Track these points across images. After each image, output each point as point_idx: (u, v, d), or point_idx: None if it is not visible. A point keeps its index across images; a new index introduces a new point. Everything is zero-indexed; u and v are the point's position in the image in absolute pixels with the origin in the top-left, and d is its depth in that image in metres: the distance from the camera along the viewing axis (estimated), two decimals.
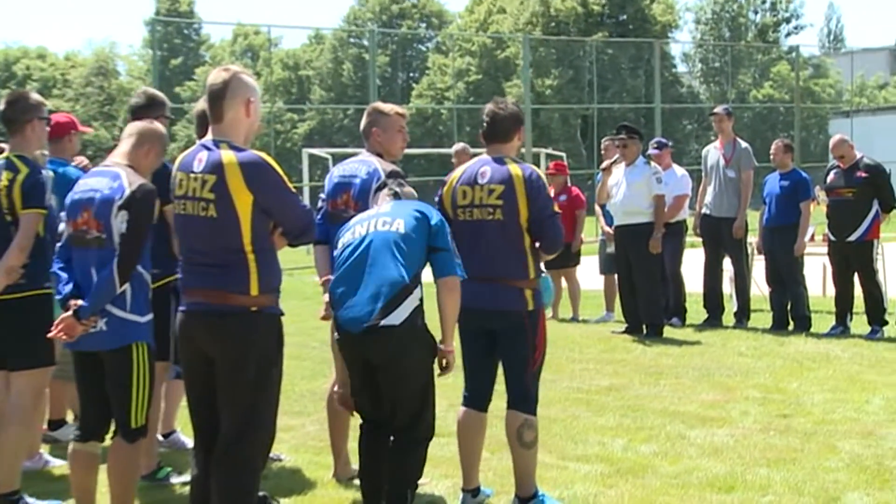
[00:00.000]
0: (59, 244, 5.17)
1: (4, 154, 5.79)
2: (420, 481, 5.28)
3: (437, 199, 5.65)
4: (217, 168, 4.42)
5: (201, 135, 5.03)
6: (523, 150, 26.04)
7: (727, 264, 12.12)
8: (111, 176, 5.03)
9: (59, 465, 6.39)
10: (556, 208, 5.57)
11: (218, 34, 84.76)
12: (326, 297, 5.54)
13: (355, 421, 5.76)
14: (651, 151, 11.95)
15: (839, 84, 65.08)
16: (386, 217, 5.11)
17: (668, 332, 11.20)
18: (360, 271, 4.98)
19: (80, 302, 4.90)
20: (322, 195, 6.00)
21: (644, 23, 60.95)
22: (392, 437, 5.14)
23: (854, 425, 7.20)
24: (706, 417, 7.47)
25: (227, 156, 4.43)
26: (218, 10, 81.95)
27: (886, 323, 11.09)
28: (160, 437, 6.57)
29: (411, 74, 71.98)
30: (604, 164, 11.66)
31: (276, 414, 4.68)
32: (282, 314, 4.66)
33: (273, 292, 4.55)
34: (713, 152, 12.13)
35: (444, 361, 5.12)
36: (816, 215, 12.63)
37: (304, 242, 4.84)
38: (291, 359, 8.12)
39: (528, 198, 5.40)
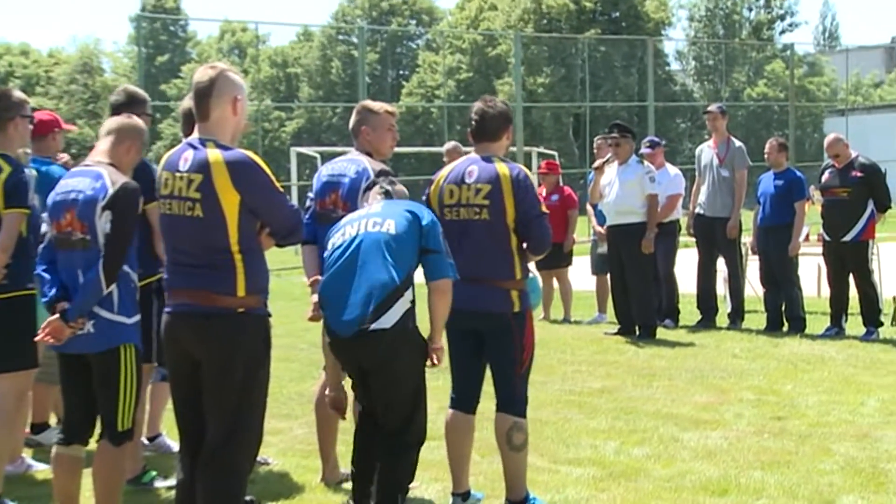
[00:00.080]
0: (41, 245, 5.16)
1: None
2: (410, 485, 5.28)
3: (424, 197, 5.65)
4: (203, 167, 4.41)
5: (187, 133, 5.02)
6: (514, 148, 26.05)
7: (721, 265, 12.13)
8: (93, 176, 5.01)
9: (41, 470, 6.38)
10: (544, 209, 5.56)
11: (205, 31, 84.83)
12: (315, 298, 5.55)
13: (344, 424, 5.77)
14: (643, 150, 11.96)
15: (834, 82, 65.26)
16: (376, 217, 5.10)
17: (661, 333, 11.21)
18: (350, 273, 4.98)
19: (66, 305, 4.90)
20: (310, 194, 5.99)
21: (637, 20, 61.04)
22: (383, 441, 5.14)
23: (849, 427, 7.21)
24: (699, 420, 7.48)
25: (214, 155, 4.42)
26: (205, 6, 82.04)
27: (881, 324, 11.11)
28: (145, 441, 6.56)
29: (401, 72, 71.97)
30: (596, 164, 11.66)
31: (264, 417, 4.67)
32: (269, 315, 4.66)
33: (260, 293, 4.54)
34: (707, 151, 12.14)
35: (433, 357, 5.12)
36: (811, 215, 12.66)
37: (292, 243, 4.84)
38: (279, 361, 8.11)
39: (514, 198, 5.40)
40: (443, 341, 5.25)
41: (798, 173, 11.75)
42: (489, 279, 5.39)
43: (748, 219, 12.23)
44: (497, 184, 5.41)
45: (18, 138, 5.81)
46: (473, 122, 5.61)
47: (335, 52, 69.02)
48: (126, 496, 5.37)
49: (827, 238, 11.22)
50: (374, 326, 4.88)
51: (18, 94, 5.90)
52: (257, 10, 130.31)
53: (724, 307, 12.11)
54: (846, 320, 11.23)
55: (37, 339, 5.01)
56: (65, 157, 7.16)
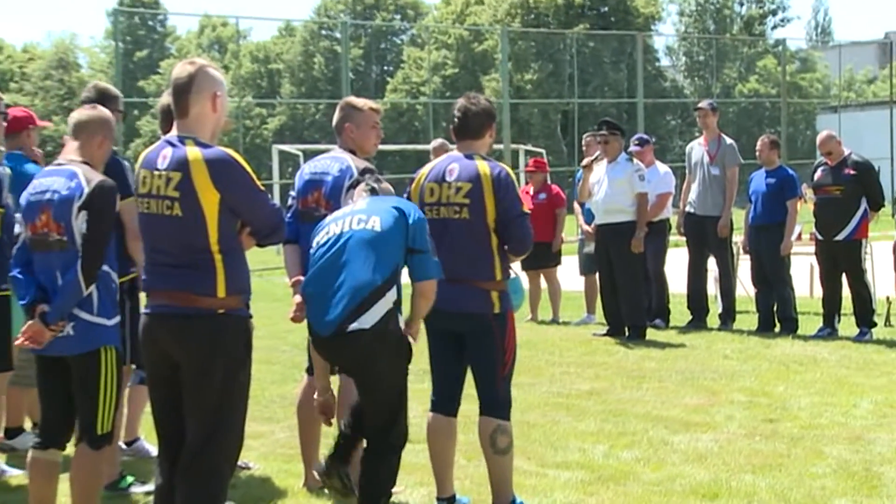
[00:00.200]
0: (16, 247, 5.14)
1: None
2: (394, 489, 5.29)
3: (405, 196, 5.66)
4: (182, 165, 4.40)
5: (166, 130, 5.02)
6: (501, 146, 26.07)
7: (712, 264, 12.16)
8: (67, 175, 5.00)
9: (16, 475, 6.36)
10: (526, 209, 5.56)
11: (184, 25, 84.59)
12: (297, 299, 5.55)
13: (327, 428, 5.77)
14: (632, 148, 11.97)
15: (827, 78, 65.45)
16: (361, 214, 5.10)
17: (651, 334, 11.23)
18: (333, 271, 4.98)
19: (46, 307, 4.89)
20: (292, 193, 5.99)
21: (626, 15, 61.12)
22: (365, 443, 5.14)
23: (842, 430, 7.24)
24: (690, 422, 7.50)
25: (193, 152, 4.41)
26: (184, 0, 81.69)
27: (875, 324, 11.15)
28: (123, 446, 6.55)
29: (385, 68, 71.95)
30: (585, 162, 11.67)
31: (245, 420, 4.67)
32: (250, 317, 4.66)
33: (241, 294, 4.54)
34: (697, 149, 12.17)
35: (410, 335, 5.13)
36: (803, 214, 12.70)
37: (273, 242, 4.83)
38: (261, 363, 8.09)
39: (495, 197, 5.40)
40: (422, 339, 5.26)
41: (790, 171, 11.78)
42: (469, 279, 5.40)
43: (739, 217, 12.26)
44: (477, 182, 5.41)
45: None
46: (456, 120, 5.62)
47: (318, 48, 68.97)
48: (103, 502, 5.37)
49: (819, 237, 11.25)
50: (352, 327, 4.88)
51: None
52: (238, 4, 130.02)
53: (715, 307, 12.14)
54: (839, 321, 11.27)
55: (17, 343, 4.99)
56: (39, 152, 7.14)
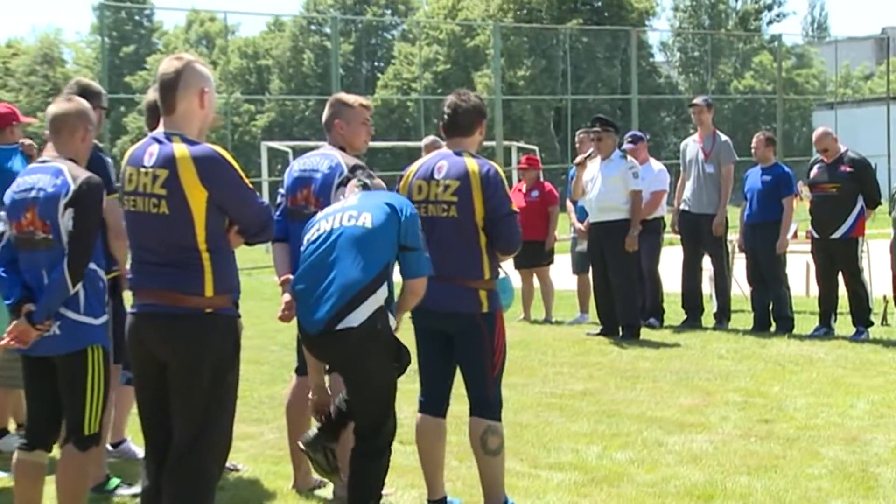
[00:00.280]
0: (0, 245, 5.13)
1: None
2: (384, 491, 5.29)
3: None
4: (169, 162, 4.39)
5: (152, 127, 5.01)
6: (493, 143, 26.08)
7: (706, 263, 12.18)
8: (52, 172, 5.00)
9: (1, 477, 6.34)
10: (515, 207, 5.57)
11: (171, 20, 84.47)
12: (286, 298, 5.55)
13: None
14: (626, 146, 11.97)
15: (823, 74, 65.52)
16: (352, 211, 5.10)
17: (645, 333, 11.24)
18: (322, 269, 4.98)
19: (32, 306, 4.89)
20: (281, 190, 5.99)
21: (620, 10, 61.17)
22: (354, 444, 5.14)
23: (838, 431, 7.25)
24: (684, 423, 7.51)
25: (180, 149, 4.40)
26: None
27: (871, 324, 11.18)
28: (109, 447, 6.53)
29: (376, 64, 71.92)
30: (578, 159, 11.67)
31: (233, 421, 4.66)
32: (238, 316, 4.65)
33: (229, 293, 4.54)
34: (692, 146, 12.18)
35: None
36: (799, 212, 12.74)
37: (262, 241, 4.84)
38: (249, 363, 8.09)
39: (483, 195, 5.41)
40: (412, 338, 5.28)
41: (786, 168, 11.80)
42: (457, 278, 5.40)
43: (735, 215, 12.27)
44: (466, 180, 5.42)
45: None
46: (446, 116, 5.63)
47: (307, 43, 68.90)
48: None
49: (815, 235, 11.27)
50: (341, 325, 4.88)
51: None
52: None
53: (710, 307, 12.16)
54: (835, 320, 11.29)
55: (2, 343, 4.98)
56: (28, 142, 7.13)
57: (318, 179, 5.73)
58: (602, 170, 11.23)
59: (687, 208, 12.03)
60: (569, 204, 12.54)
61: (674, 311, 12.26)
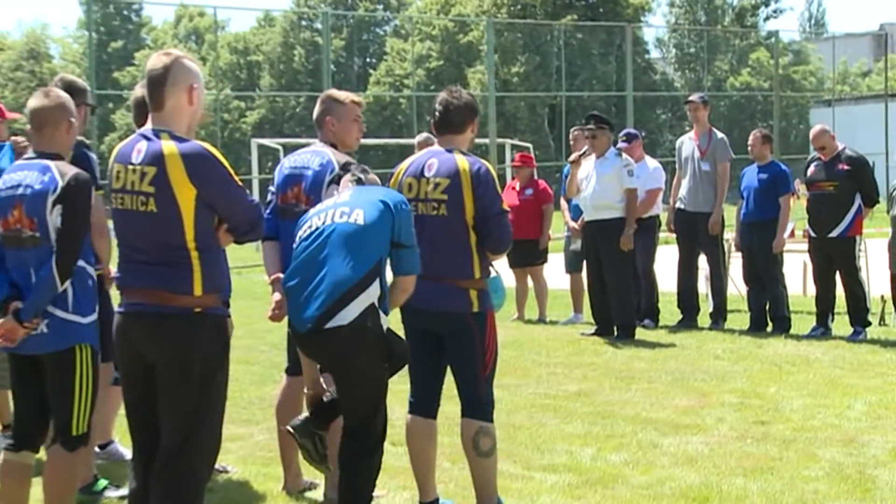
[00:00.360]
0: None
1: None
2: (375, 493, 5.28)
3: None
4: (157, 160, 4.39)
5: (140, 123, 5.00)
6: (487, 140, 26.08)
7: (702, 262, 12.19)
8: (40, 169, 4.99)
9: None
10: (506, 206, 5.57)
11: (160, 15, 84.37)
12: (276, 297, 5.55)
13: None
14: (620, 145, 11.95)
15: (820, 71, 65.69)
16: (344, 207, 5.10)
17: (640, 333, 11.25)
18: (313, 266, 4.98)
19: (19, 304, 4.89)
20: (272, 188, 5.98)
21: (615, 6, 61.16)
22: (344, 443, 5.14)
23: (835, 432, 7.26)
24: (680, 424, 7.52)
25: (168, 146, 4.40)
26: None
27: (869, 324, 11.19)
28: (96, 449, 6.52)
29: (368, 60, 71.88)
30: (572, 157, 11.67)
31: (222, 422, 4.66)
32: (228, 315, 4.65)
33: (218, 292, 4.54)
34: (688, 143, 12.19)
35: None
36: (796, 210, 12.76)
37: (252, 239, 4.84)
38: (239, 363, 8.09)
39: (474, 193, 5.41)
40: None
41: (783, 166, 11.82)
42: (447, 277, 5.41)
43: (731, 214, 12.29)
44: (456, 178, 5.42)
45: None
46: (437, 114, 5.63)
47: (298, 39, 68.83)
48: None
49: (813, 234, 11.29)
50: (330, 324, 4.88)
51: None
52: None
53: (706, 306, 12.16)
54: (833, 320, 11.31)
55: None
56: (20, 139, 7.12)
57: (308, 177, 5.73)
58: (597, 168, 11.24)
59: (683, 207, 12.04)
60: (563, 202, 12.54)
61: (669, 311, 12.27)
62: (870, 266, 12.44)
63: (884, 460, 6.59)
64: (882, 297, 12.00)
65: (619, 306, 11.15)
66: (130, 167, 4.46)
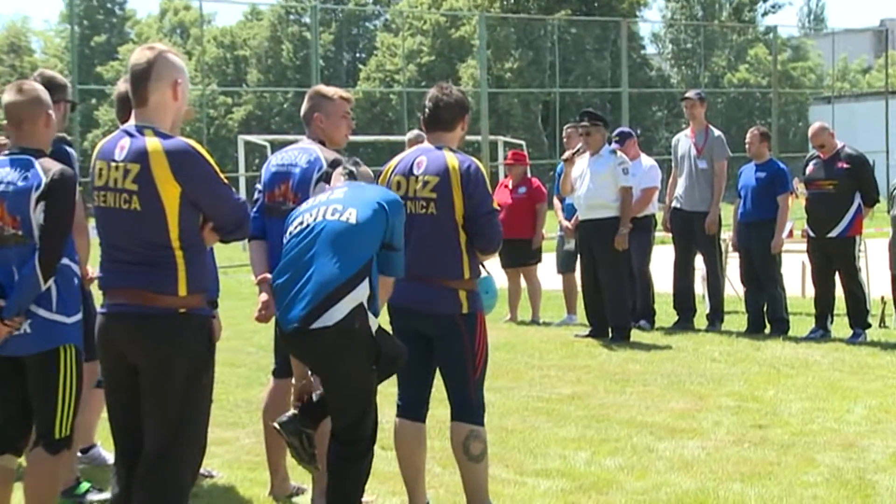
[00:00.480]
0: None
1: None
2: (364, 499, 5.28)
3: None
4: (141, 156, 4.39)
5: (124, 119, 5.00)
6: (479, 137, 26.09)
7: (699, 262, 12.20)
8: (22, 165, 4.98)
9: None
10: (496, 205, 5.57)
11: (144, 9, 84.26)
12: (263, 297, 5.54)
13: None
14: (613, 145, 11.93)
15: (820, 68, 65.75)
16: (337, 205, 5.09)
17: (636, 335, 11.26)
18: (303, 264, 4.99)
19: (2, 302, 4.88)
20: (258, 186, 5.98)
21: (610, 0, 61.22)
22: (333, 446, 5.14)
23: (834, 436, 7.27)
24: (676, 428, 7.52)
25: (152, 143, 4.40)
26: None
27: (869, 326, 11.21)
28: (78, 453, 6.51)
29: (357, 55, 71.82)
30: (565, 155, 11.66)
31: (207, 426, 4.66)
32: (213, 316, 4.64)
33: (202, 292, 4.53)
34: (684, 141, 12.19)
35: None
36: (795, 210, 12.76)
37: (238, 238, 4.83)
38: (225, 365, 8.09)
39: (463, 192, 5.42)
40: None
41: (781, 165, 11.83)
42: (436, 278, 5.41)
43: (728, 213, 12.30)
44: (445, 176, 5.42)
45: None
46: (427, 110, 5.64)
47: (286, 33, 68.76)
48: None
49: (811, 234, 11.30)
50: (315, 324, 4.88)
51: None
52: None
53: (703, 308, 12.18)
54: (832, 322, 11.32)
55: None
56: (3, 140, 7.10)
57: (296, 174, 5.72)
58: (591, 166, 11.23)
59: (679, 206, 12.05)
60: (556, 201, 12.54)
61: (665, 313, 12.28)
62: (870, 267, 12.47)
63: (884, 465, 6.60)
64: (882, 298, 12.02)
65: (614, 307, 11.15)
66: (113, 164, 4.45)
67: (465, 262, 5.46)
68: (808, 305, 11.96)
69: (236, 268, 19.42)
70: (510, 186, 12.71)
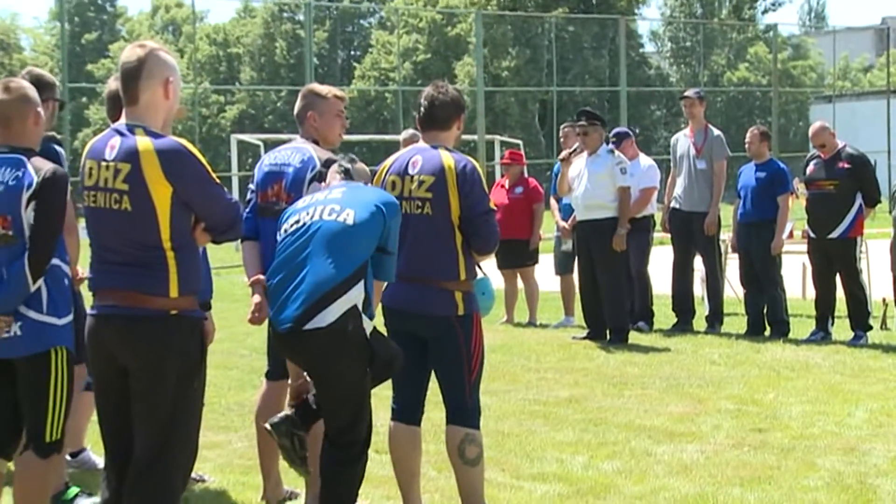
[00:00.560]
0: None
1: None
2: (358, 503, 5.27)
3: None
4: (131, 156, 4.38)
5: (114, 118, 4.99)
6: (475, 137, 26.10)
7: (698, 263, 12.20)
8: (13, 164, 4.97)
9: None
10: (492, 205, 5.57)
11: (136, 6, 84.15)
12: (256, 299, 5.53)
13: None
14: (610, 145, 11.91)
15: (821, 66, 65.82)
16: (335, 205, 5.09)
17: (634, 337, 11.26)
18: (295, 264, 4.99)
19: None
20: (251, 186, 5.97)
21: None
22: (325, 452, 5.13)
23: (835, 440, 7.28)
24: (674, 432, 7.53)
25: (143, 142, 4.39)
26: None
27: (870, 328, 11.21)
28: (67, 457, 6.50)
29: (352, 53, 71.88)
30: (562, 155, 11.65)
31: (199, 429, 4.66)
32: (205, 318, 4.64)
33: (194, 294, 4.53)
34: (683, 140, 12.20)
35: None
36: (795, 210, 12.76)
37: (230, 239, 4.83)
38: (217, 368, 8.08)
39: (459, 192, 5.42)
40: None
41: (781, 165, 11.84)
42: (431, 279, 5.41)
43: (728, 214, 12.31)
44: (441, 176, 5.42)
45: None
46: (422, 109, 5.64)
47: (280, 31, 68.78)
48: None
49: (812, 235, 11.31)
50: (308, 325, 4.88)
51: None
52: None
53: (702, 309, 12.18)
54: (833, 324, 11.33)
55: None
56: None
57: (289, 174, 5.72)
58: (588, 166, 11.22)
59: (678, 206, 12.05)
60: (552, 201, 12.54)
61: (664, 314, 12.28)
62: (871, 268, 12.47)
63: (885, 469, 6.60)
64: (884, 300, 12.03)
65: (612, 309, 11.14)
66: (104, 164, 4.44)
67: (461, 262, 5.46)
68: (809, 307, 11.96)
69: (229, 269, 19.41)
70: (507, 186, 12.71)
